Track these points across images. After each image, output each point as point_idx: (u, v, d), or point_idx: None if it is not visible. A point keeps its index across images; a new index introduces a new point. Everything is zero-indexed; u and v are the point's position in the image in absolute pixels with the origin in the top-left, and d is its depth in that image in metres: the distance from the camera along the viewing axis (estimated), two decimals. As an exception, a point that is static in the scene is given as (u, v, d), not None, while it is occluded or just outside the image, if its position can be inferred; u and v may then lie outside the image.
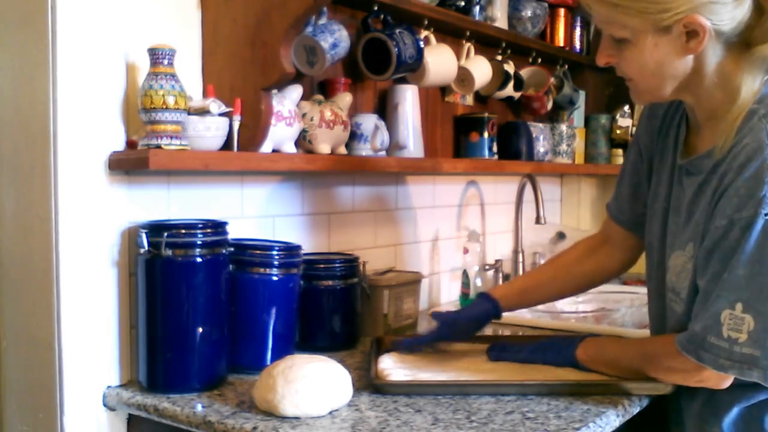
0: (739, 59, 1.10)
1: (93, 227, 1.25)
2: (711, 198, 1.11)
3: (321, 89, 1.67)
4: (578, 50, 2.54)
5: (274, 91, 1.41)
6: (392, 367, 1.32)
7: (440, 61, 1.80)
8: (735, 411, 1.16)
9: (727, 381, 1.11)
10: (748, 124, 1.09)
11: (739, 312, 1.05)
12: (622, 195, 1.41)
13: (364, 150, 1.70)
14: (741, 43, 1.09)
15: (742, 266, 1.05)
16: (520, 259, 2.30)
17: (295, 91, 1.49)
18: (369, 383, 1.25)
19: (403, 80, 1.79)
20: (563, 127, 2.44)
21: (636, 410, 1.21)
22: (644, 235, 1.35)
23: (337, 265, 1.54)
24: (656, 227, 1.28)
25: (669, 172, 1.26)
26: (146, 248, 1.23)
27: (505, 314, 1.46)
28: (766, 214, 1.03)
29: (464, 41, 2.01)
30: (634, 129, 1.45)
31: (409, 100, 1.82)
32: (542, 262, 2.40)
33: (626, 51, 1.12)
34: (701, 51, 1.09)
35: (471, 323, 1.45)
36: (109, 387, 1.28)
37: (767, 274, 1.04)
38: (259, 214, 1.56)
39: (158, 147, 1.23)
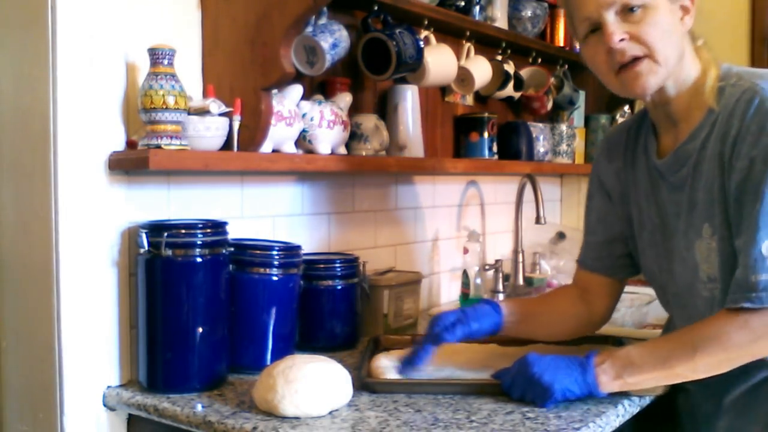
0: (691, 43, 1.18)
1: (93, 227, 1.25)
2: (718, 161, 1.12)
3: (321, 89, 1.67)
4: (578, 50, 2.53)
5: (274, 91, 1.41)
6: (386, 366, 1.32)
7: (440, 61, 1.80)
8: None
9: None
10: (723, 96, 1.13)
11: None
12: (597, 244, 1.40)
13: (364, 150, 1.70)
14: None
15: None
16: (520, 259, 2.30)
17: (295, 91, 1.49)
18: (359, 381, 1.24)
19: (403, 80, 1.79)
20: (563, 127, 2.44)
21: (636, 410, 1.21)
22: (627, 276, 1.38)
23: (337, 265, 1.54)
24: (658, 248, 1.26)
25: (650, 191, 1.26)
26: (146, 248, 1.23)
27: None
28: None
29: (464, 41, 2.01)
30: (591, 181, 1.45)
31: (409, 100, 1.82)
32: (542, 262, 2.41)
33: (646, 16, 1.11)
34: (686, 30, 1.15)
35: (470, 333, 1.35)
36: (109, 387, 1.28)
37: None
38: (259, 214, 1.56)
39: (158, 147, 1.23)
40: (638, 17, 1.10)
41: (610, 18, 1.11)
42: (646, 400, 1.23)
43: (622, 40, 1.11)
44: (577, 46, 1.26)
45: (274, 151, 1.45)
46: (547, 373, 1.15)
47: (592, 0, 1.12)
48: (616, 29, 1.11)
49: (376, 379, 1.26)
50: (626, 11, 1.11)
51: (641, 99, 1.20)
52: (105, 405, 1.28)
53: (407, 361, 1.29)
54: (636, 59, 1.12)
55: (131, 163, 1.25)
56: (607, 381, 1.14)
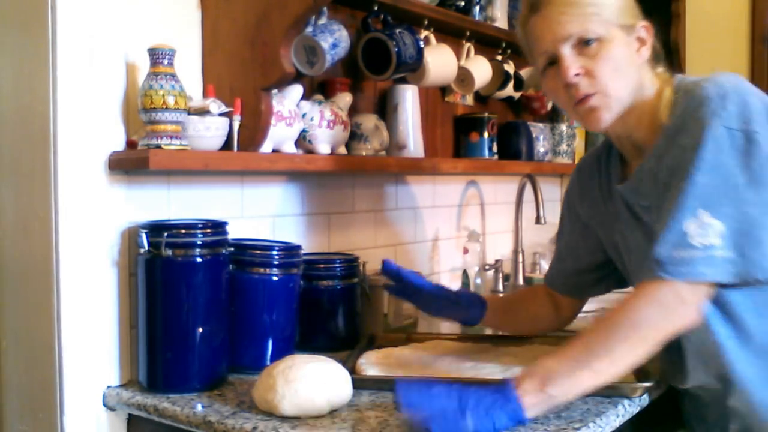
0: (649, 70, 1.18)
1: (93, 227, 1.25)
2: (667, 174, 1.12)
3: (321, 89, 1.67)
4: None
5: (274, 91, 1.41)
6: (372, 363, 1.32)
7: (440, 61, 1.80)
8: None
9: (709, 295, 1.05)
10: (676, 107, 1.13)
11: (705, 219, 1.02)
12: (567, 272, 1.42)
13: (364, 150, 1.70)
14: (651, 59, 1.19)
15: (700, 174, 1.03)
16: (520, 259, 2.30)
17: (295, 91, 1.49)
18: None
19: (403, 80, 1.79)
20: (563, 127, 2.44)
21: (636, 410, 1.21)
22: (597, 295, 1.42)
23: (337, 265, 1.54)
24: (638, 263, 1.25)
25: (629, 217, 1.25)
26: (146, 248, 1.23)
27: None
28: (711, 127, 1.04)
29: (464, 41, 2.01)
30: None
31: (409, 100, 1.82)
32: (542, 262, 2.41)
33: (600, 50, 1.12)
34: (643, 61, 1.16)
35: (447, 308, 1.42)
36: (109, 387, 1.28)
37: (729, 177, 1.03)
38: (259, 214, 1.56)
39: (158, 147, 1.23)
40: (593, 51, 1.12)
41: (566, 52, 1.13)
42: (646, 400, 1.23)
43: (577, 74, 1.13)
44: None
45: (274, 151, 1.45)
46: (473, 413, 1.00)
47: (549, 34, 1.13)
48: (571, 63, 1.12)
49: (358, 375, 1.26)
50: (582, 44, 1.12)
51: (600, 132, 1.22)
52: (105, 405, 1.28)
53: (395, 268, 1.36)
54: (588, 95, 1.14)
55: (131, 163, 1.25)
56: (531, 401, 1.02)
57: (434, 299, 1.41)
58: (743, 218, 1.02)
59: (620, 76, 1.13)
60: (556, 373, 1.03)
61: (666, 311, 1.04)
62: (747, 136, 1.04)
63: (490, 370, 1.30)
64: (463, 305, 1.43)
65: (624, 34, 1.13)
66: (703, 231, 1.02)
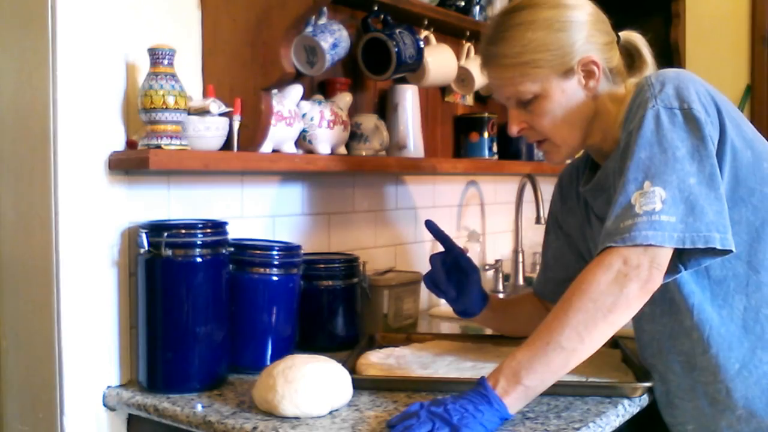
0: (616, 89, 1.22)
1: (93, 227, 1.25)
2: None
3: (321, 89, 1.67)
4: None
5: (274, 91, 1.41)
6: (372, 363, 1.32)
7: (440, 61, 1.80)
8: None
9: (661, 262, 1.02)
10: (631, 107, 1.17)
11: (648, 188, 1.03)
12: (556, 281, 1.42)
13: (364, 150, 1.70)
14: (615, 76, 1.22)
15: (642, 150, 1.05)
16: (520, 259, 2.30)
17: (295, 91, 1.49)
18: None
19: (403, 80, 1.79)
20: (563, 127, 2.44)
21: (636, 410, 1.21)
22: None
23: (337, 265, 1.54)
24: None
25: (597, 222, 1.28)
26: (146, 248, 1.23)
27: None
28: (651, 107, 1.07)
29: (464, 41, 2.01)
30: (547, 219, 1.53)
31: (409, 100, 1.82)
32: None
33: (537, 107, 1.20)
34: (597, 89, 1.20)
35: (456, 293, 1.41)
36: (109, 387, 1.28)
37: (668, 149, 1.04)
38: (259, 214, 1.56)
39: (158, 147, 1.23)
40: (532, 107, 1.21)
41: (511, 107, 1.24)
42: (646, 400, 1.23)
43: (521, 130, 1.24)
44: None
45: (274, 151, 1.45)
46: (466, 427, 0.99)
47: (496, 91, 1.26)
48: (514, 119, 1.24)
49: (358, 375, 1.26)
50: (521, 102, 1.21)
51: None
52: (105, 405, 1.28)
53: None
54: (538, 141, 1.25)
55: (131, 163, 1.25)
56: (510, 399, 1.02)
57: (456, 274, 1.40)
58: (684, 187, 1.03)
59: (562, 125, 1.21)
60: (527, 361, 1.02)
61: (617, 276, 1.01)
62: (685, 113, 1.07)
63: (490, 370, 1.30)
64: (470, 294, 1.41)
65: (562, 81, 1.19)
66: (647, 199, 1.03)
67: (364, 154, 1.70)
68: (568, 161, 1.42)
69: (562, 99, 1.19)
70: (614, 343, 1.47)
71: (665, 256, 1.03)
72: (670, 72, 1.13)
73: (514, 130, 1.24)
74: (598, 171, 1.27)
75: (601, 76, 1.19)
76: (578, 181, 1.37)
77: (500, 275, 2.19)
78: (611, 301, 1.01)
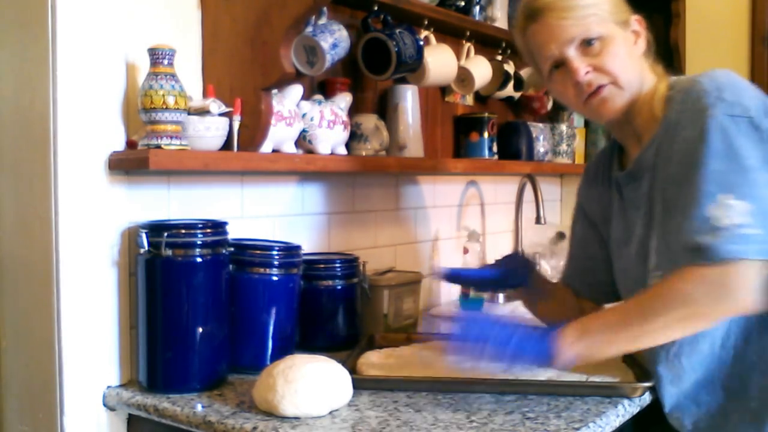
0: (646, 61, 1.23)
1: (93, 227, 1.25)
2: (664, 166, 1.16)
3: (321, 89, 1.67)
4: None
5: (274, 91, 1.41)
6: (372, 363, 1.32)
7: (440, 61, 1.80)
8: None
9: (753, 277, 1.02)
10: (672, 103, 1.17)
11: (727, 201, 1.03)
12: (582, 270, 1.44)
13: (364, 150, 1.70)
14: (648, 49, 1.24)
15: (712, 161, 1.05)
16: (520, 259, 2.29)
17: (295, 91, 1.49)
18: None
19: (403, 80, 1.79)
20: (563, 127, 2.44)
21: (636, 410, 1.21)
22: (612, 302, 1.40)
23: (337, 265, 1.54)
24: (632, 257, 1.27)
25: (618, 207, 1.30)
26: (146, 248, 1.23)
27: (503, 313, 1.46)
28: (714, 115, 1.07)
29: (464, 41, 2.01)
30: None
31: (409, 100, 1.82)
32: (542, 262, 2.40)
33: (603, 48, 1.17)
34: (639, 55, 1.21)
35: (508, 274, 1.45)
36: (109, 387, 1.28)
37: (740, 160, 1.04)
38: (259, 214, 1.56)
39: (158, 147, 1.23)
40: (597, 49, 1.18)
41: (572, 54, 1.18)
42: (646, 400, 1.23)
43: (587, 72, 1.18)
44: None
45: (274, 151, 1.45)
46: (510, 325, 1.17)
47: (553, 39, 1.18)
48: (579, 64, 1.18)
49: (358, 375, 1.26)
50: (585, 45, 1.18)
51: (608, 122, 1.26)
52: (105, 405, 1.28)
53: (454, 273, 1.48)
54: (601, 86, 1.19)
55: (131, 163, 1.25)
56: (565, 345, 1.11)
57: (491, 282, 1.47)
58: (763, 199, 1.03)
59: (628, 67, 1.19)
60: (594, 328, 1.12)
61: (716, 294, 1.04)
62: (749, 121, 1.07)
63: (490, 370, 1.30)
64: (514, 270, 1.45)
65: (621, 30, 1.19)
66: (728, 212, 1.02)
67: (364, 154, 1.70)
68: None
69: (624, 46, 1.19)
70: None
71: (756, 270, 1.03)
72: (721, 76, 1.12)
73: (581, 72, 1.17)
74: (629, 156, 1.27)
75: (644, 40, 1.22)
76: (607, 167, 1.37)
77: (500, 275, 2.19)
78: (702, 310, 1.06)
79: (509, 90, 2.16)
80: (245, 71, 1.38)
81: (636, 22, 1.22)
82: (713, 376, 1.18)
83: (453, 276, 1.49)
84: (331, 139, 1.57)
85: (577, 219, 1.47)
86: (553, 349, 1.12)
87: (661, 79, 1.23)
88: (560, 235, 2.43)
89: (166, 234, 1.22)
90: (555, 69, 1.21)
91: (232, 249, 1.33)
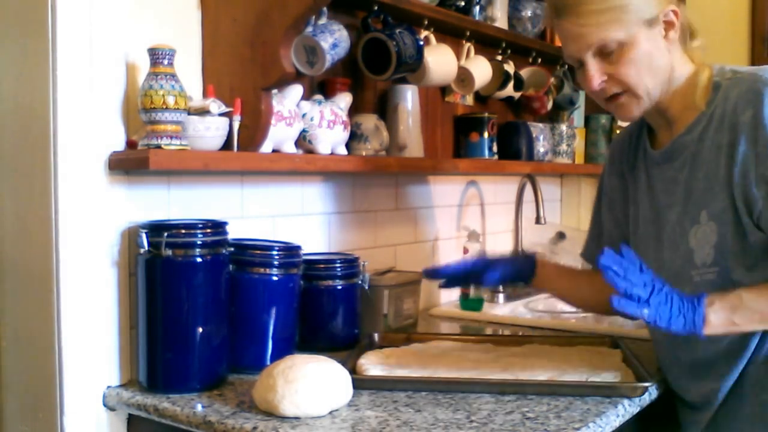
0: (680, 49, 1.21)
1: (93, 227, 1.25)
2: (725, 151, 1.14)
3: (321, 89, 1.67)
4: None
5: (274, 91, 1.41)
6: (372, 363, 1.32)
7: (440, 61, 1.80)
8: None
9: None
10: (720, 91, 1.16)
11: None
12: (597, 243, 1.42)
13: (364, 150, 1.70)
14: (684, 34, 1.22)
15: None
16: (520, 259, 2.29)
17: (295, 91, 1.49)
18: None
19: (403, 80, 1.79)
20: (563, 127, 2.44)
21: (636, 410, 1.21)
22: None
23: (337, 265, 1.54)
24: (649, 240, 1.28)
25: (645, 186, 1.29)
26: (146, 248, 1.23)
27: (503, 313, 1.45)
28: None
29: (464, 41, 2.01)
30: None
31: (409, 100, 1.82)
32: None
33: (621, 56, 1.15)
34: (673, 43, 1.18)
35: (506, 266, 1.42)
36: (109, 387, 1.28)
37: None
38: (259, 214, 1.56)
39: (158, 147, 1.23)
40: (615, 57, 1.16)
41: (590, 59, 1.17)
42: (646, 400, 1.23)
43: (602, 82, 1.17)
44: None
45: (274, 151, 1.45)
46: (667, 287, 1.10)
47: (573, 43, 1.18)
48: (595, 72, 1.17)
49: (358, 375, 1.26)
50: (603, 51, 1.16)
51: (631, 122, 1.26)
52: (105, 405, 1.28)
53: (433, 269, 1.42)
54: (617, 94, 1.19)
55: (131, 163, 1.25)
56: (715, 320, 1.08)
57: (482, 267, 1.41)
58: None
59: (646, 74, 1.17)
60: (747, 307, 1.09)
61: None
62: None
63: (491, 370, 1.30)
64: (514, 264, 1.43)
65: (647, 29, 1.15)
66: None
67: (364, 154, 1.70)
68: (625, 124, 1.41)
69: (647, 48, 1.15)
70: (614, 343, 1.47)
71: None
72: None
73: (595, 83, 1.17)
74: (658, 135, 1.27)
75: (678, 28, 1.18)
76: (633, 145, 1.35)
77: (500, 275, 2.19)
78: None
79: (509, 90, 2.16)
80: (245, 71, 1.38)
81: (671, 12, 1.17)
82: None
83: (431, 273, 1.45)
84: (331, 139, 1.57)
85: (599, 196, 1.46)
86: (701, 324, 1.08)
87: (702, 67, 1.21)
88: (560, 235, 2.43)
89: (166, 234, 1.22)
90: (579, 66, 1.21)
91: (232, 249, 1.33)
